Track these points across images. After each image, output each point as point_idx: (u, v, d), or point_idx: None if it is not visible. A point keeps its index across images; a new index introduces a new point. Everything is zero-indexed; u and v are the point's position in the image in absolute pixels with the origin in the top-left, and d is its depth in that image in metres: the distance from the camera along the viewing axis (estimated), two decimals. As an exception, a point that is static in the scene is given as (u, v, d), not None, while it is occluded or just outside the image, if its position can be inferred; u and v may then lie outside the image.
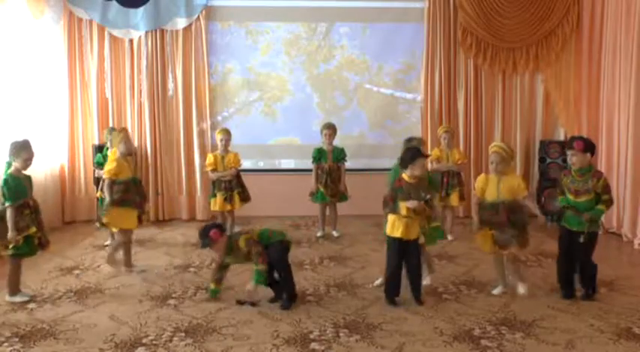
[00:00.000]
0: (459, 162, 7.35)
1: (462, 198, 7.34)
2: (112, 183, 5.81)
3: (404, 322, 4.61)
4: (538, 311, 4.80)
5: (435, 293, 5.30)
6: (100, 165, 6.89)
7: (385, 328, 4.48)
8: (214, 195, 7.33)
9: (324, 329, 4.45)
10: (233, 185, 7.31)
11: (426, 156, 5.26)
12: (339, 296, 5.24)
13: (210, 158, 7.39)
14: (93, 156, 8.03)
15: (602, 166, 7.89)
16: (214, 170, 7.32)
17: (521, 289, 5.20)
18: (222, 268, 5.12)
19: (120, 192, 5.81)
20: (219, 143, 7.39)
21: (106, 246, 7.04)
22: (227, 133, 7.40)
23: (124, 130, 6.24)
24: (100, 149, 7.56)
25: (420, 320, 4.65)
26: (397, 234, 4.84)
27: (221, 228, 5.06)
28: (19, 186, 5.04)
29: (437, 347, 4.15)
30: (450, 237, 7.24)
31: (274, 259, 4.93)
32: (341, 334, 4.37)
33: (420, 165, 4.87)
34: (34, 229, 5.04)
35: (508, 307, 4.92)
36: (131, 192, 5.89)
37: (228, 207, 7.32)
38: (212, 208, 7.44)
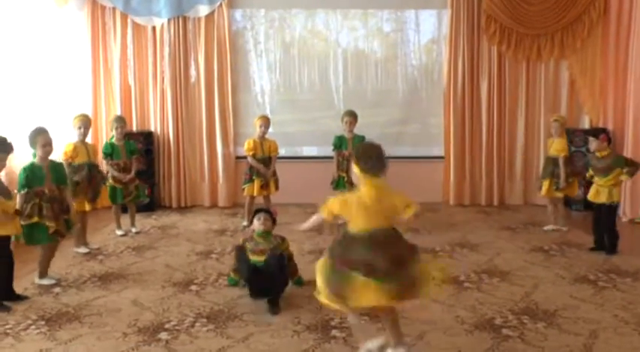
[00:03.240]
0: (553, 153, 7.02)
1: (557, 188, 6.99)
2: (69, 166, 6.09)
3: (424, 310, 4.59)
4: (561, 301, 4.76)
5: (456, 281, 5.28)
6: (107, 155, 6.97)
7: (406, 316, 4.46)
8: (251, 181, 7.36)
9: (344, 317, 4.45)
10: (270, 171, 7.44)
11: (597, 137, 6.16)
12: (360, 284, 5.23)
13: (249, 143, 7.39)
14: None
15: (628, 155, 7.76)
16: (254, 155, 7.36)
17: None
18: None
19: (72, 174, 6.11)
20: (257, 129, 7.41)
21: (122, 235, 7.08)
22: (266, 120, 7.46)
23: (84, 116, 6.46)
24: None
25: (441, 308, 4.64)
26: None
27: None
28: (33, 175, 5.07)
29: (458, 335, 4.14)
30: (553, 227, 7.22)
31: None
32: (362, 322, 4.36)
33: (590, 142, 6.19)
34: (35, 219, 5.03)
35: (530, 296, 4.89)
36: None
37: (265, 193, 7.40)
38: (246, 193, 7.44)
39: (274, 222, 5.13)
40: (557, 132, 7.08)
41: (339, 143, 7.47)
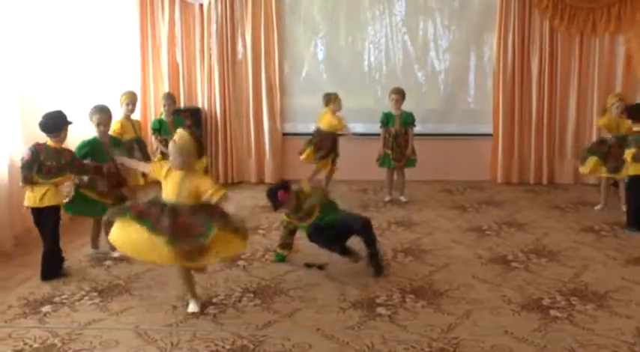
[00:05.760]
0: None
1: None
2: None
3: (471, 289, 4.57)
4: (612, 283, 4.66)
5: (503, 261, 5.22)
6: (155, 130, 7.08)
7: (452, 295, 4.46)
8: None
9: (390, 294, 4.47)
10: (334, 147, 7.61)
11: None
12: (406, 262, 5.24)
13: (342, 121, 7.57)
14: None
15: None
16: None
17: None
18: (290, 233, 5.20)
19: (124, 152, 6.02)
20: (335, 106, 7.53)
21: None
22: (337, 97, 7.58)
23: (131, 93, 6.57)
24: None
25: (488, 287, 4.61)
26: None
27: (287, 186, 5.02)
28: (93, 149, 5.17)
29: (504, 315, 4.10)
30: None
31: (359, 229, 4.95)
32: (407, 299, 4.38)
33: None
34: (88, 192, 5.14)
35: (579, 277, 4.80)
36: (134, 151, 6.17)
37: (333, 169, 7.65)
38: (322, 167, 7.64)
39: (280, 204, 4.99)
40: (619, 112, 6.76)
41: (386, 120, 7.44)
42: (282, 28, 8.82)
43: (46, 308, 4.27)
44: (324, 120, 7.55)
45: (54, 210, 4.85)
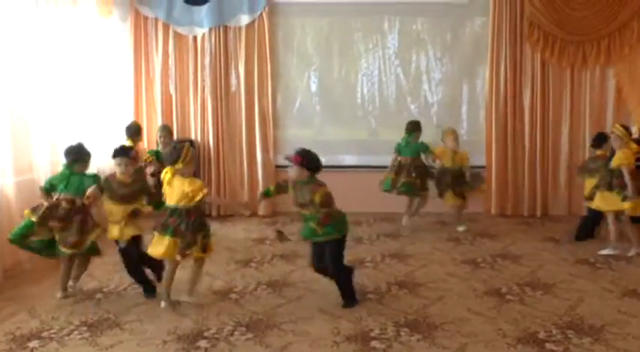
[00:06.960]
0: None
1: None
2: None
3: (466, 322, 4.52)
4: (608, 316, 4.62)
5: (498, 293, 5.18)
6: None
7: (447, 328, 4.41)
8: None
9: (384, 328, 4.41)
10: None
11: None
12: (400, 295, 5.18)
13: (439, 149, 7.67)
14: (158, 152, 8.19)
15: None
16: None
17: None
18: (283, 186, 5.10)
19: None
20: (451, 142, 7.60)
21: None
22: (455, 132, 7.68)
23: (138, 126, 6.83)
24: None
25: (483, 320, 4.55)
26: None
27: (309, 158, 4.83)
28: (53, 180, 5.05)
29: (500, 349, 4.05)
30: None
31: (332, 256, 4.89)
32: (402, 333, 4.32)
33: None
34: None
35: (575, 310, 4.76)
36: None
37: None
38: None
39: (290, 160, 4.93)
40: (616, 144, 6.43)
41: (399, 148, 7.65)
42: (276, 60, 8.88)
43: (34, 344, 4.18)
44: (448, 156, 7.61)
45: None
